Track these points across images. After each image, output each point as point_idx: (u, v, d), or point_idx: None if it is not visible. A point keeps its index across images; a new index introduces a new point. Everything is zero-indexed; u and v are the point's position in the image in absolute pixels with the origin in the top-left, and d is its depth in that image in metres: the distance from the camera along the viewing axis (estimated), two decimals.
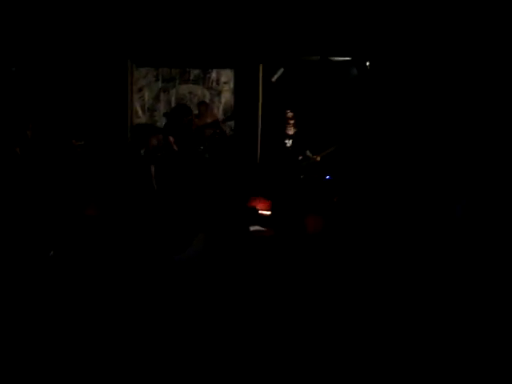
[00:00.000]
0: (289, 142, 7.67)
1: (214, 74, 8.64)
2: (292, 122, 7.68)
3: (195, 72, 8.64)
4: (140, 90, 8.60)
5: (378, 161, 7.49)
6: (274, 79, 8.24)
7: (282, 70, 8.16)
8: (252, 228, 4.75)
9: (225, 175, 7.37)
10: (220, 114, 8.57)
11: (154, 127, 8.22)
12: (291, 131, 7.72)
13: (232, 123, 8.55)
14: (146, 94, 8.63)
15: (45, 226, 4.38)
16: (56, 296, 3.53)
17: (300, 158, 7.74)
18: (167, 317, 3.06)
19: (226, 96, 8.68)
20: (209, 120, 8.09)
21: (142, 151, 6.43)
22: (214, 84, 8.66)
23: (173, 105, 8.60)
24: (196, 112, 8.16)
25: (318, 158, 7.76)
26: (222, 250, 2.99)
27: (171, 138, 7.64)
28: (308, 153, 7.77)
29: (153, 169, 6.20)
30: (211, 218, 3.22)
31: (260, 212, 6.87)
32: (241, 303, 2.98)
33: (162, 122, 8.41)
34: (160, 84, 8.64)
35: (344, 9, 7.46)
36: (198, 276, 2.98)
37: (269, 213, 7.23)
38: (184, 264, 2.88)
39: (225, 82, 8.65)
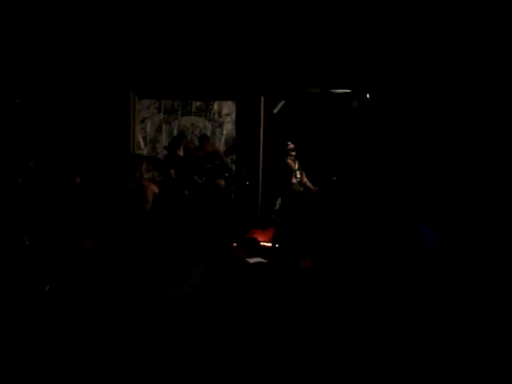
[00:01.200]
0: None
1: (215, 106, 8.70)
2: (293, 153, 7.70)
3: (197, 104, 8.70)
4: (142, 121, 8.64)
5: (377, 195, 7.47)
6: (275, 111, 8.29)
7: (283, 102, 8.21)
8: (253, 260, 4.70)
9: (225, 206, 7.35)
10: (222, 146, 8.60)
11: (143, 157, 8.24)
12: (293, 163, 7.74)
13: (233, 155, 8.57)
14: (148, 126, 8.67)
15: (41, 258, 4.35)
16: (49, 330, 3.50)
17: (301, 189, 7.75)
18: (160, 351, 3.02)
19: (228, 128, 8.72)
20: (209, 151, 8.13)
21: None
22: (216, 116, 8.71)
23: None
24: (197, 144, 8.21)
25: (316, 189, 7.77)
26: (220, 284, 2.94)
27: (171, 171, 7.67)
28: (308, 183, 7.78)
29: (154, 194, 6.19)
30: (210, 250, 3.19)
31: (261, 244, 6.83)
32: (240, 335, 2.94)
33: (163, 154, 8.44)
34: (162, 116, 8.69)
35: (344, 42, 7.53)
36: (195, 312, 2.93)
37: (270, 244, 7.19)
38: (177, 302, 2.84)
39: (226, 114, 8.70)
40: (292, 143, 7.71)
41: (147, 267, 4.06)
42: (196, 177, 7.77)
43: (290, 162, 7.75)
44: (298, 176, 7.74)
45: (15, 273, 4.15)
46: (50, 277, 4.08)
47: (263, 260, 6.18)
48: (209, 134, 8.55)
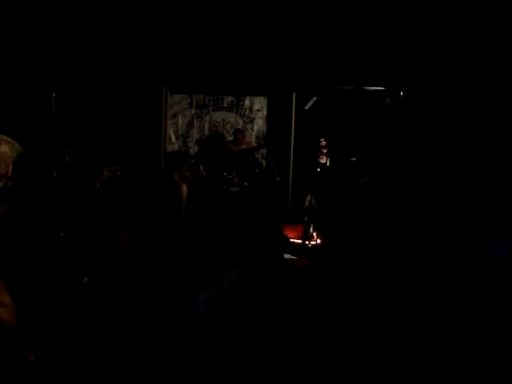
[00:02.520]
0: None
1: (247, 102, 8.72)
2: (325, 150, 7.65)
3: (228, 99, 8.73)
4: (174, 116, 8.71)
5: (408, 192, 7.38)
6: (306, 107, 8.25)
7: (315, 98, 8.15)
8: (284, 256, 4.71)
9: (256, 203, 7.35)
10: (252, 142, 8.60)
11: (187, 154, 8.30)
12: (323, 160, 7.68)
13: (264, 151, 8.56)
14: (180, 121, 8.73)
15: (79, 251, 4.41)
16: (86, 321, 3.56)
17: None
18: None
19: (259, 123, 8.73)
20: (242, 147, 8.12)
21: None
22: (247, 111, 8.72)
23: (206, 131, 8.68)
24: (231, 139, 8.22)
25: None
26: (260, 281, 2.93)
27: (201, 167, 7.70)
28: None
29: (184, 194, 6.22)
30: (249, 247, 3.17)
31: (291, 240, 6.83)
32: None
33: (194, 148, 8.49)
34: (193, 110, 8.74)
35: (379, 40, 7.46)
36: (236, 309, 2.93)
37: (300, 241, 7.19)
38: (215, 299, 2.84)
39: (258, 110, 8.71)
40: (325, 140, 7.65)
41: (184, 263, 4.10)
42: (225, 173, 7.76)
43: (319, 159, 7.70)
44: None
45: (51, 264, 4.22)
46: (88, 269, 4.15)
47: (293, 257, 6.19)
48: None
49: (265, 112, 8.71)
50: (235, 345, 2.76)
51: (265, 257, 2.98)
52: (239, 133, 8.17)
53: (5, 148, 2.76)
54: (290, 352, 2.80)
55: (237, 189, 7.34)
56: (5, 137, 2.75)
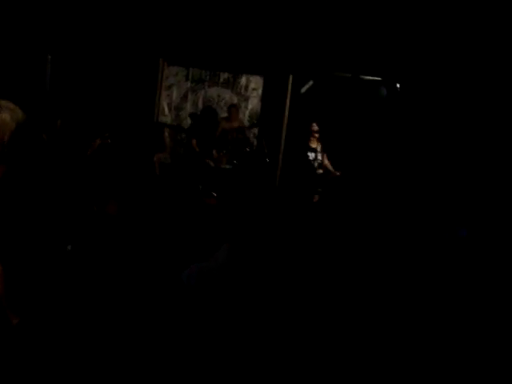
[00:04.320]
0: (311, 155, 7.68)
1: (243, 80, 8.68)
2: (317, 135, 7.69)
3: (225, 76, 8.68)
4: (169, 87, 8.66)
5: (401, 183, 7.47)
6: (302, 91, 8.26)
7: (311, 82, 8.17)
8: None
9: (245, 183, 7.40)
10: (245, 120, 8.61)
11: (180, 127, 8.31)
12: (314, 144, 7.73)
13: (256, 130, 8.58)
14: (175, 93, 8.68)
15: (64, 219, 4.44)
16: (64, 292, 3.59)
17: (320, 171, 7.76)
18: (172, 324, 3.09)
19: (254, 102, 8.71)
20: (235, 125, 8.11)
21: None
22: (243, 89, 8.69)
23: (200, 106, 8.65)
24: (226, 115, 8.20)
25: (338, 173, 7.77)
26: (245, 263, 2.98)
27: (193, 141, 7.71)
28: (329, 166, 7.80)
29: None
30: (237, 227, 3.21)
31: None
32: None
33: (187, 121, 8.48)
34: (189, 84, 8.69)
35: (378, 29, 7.45)
36: (221, 288, 2.98)
37: None
38: (198, 278, 2.89)
39: (253, 89, 8.68)
40: (317, 124, 7.68)
41: (168, 240, 4.14)
42: (215, 151, 7.77)
43: (310, 143, 7.74)
44: (320, 158, 7.74)
45: (37, 229, 4.24)
46: (72, 237, 4.18)
47: None
48: None
49: (260, 91, 8.68)
50: (216, 326, 2.82)
51: (251, 239, 3.02)
52: (233, 107, 8.17)
53: (5, 116, 2.77)
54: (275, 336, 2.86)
55: (229, 166, 7.37)
56: (9, 104, 2.76)
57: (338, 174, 7.79)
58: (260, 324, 2.86)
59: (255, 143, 8.55)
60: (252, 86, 8.68)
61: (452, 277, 4.46)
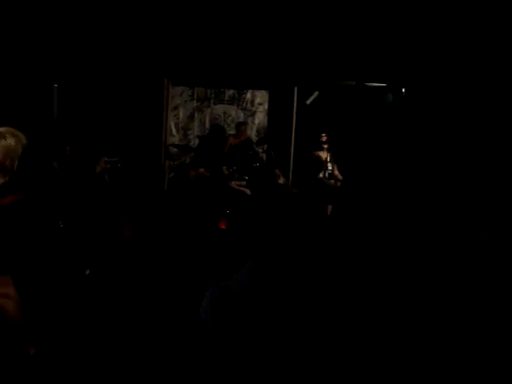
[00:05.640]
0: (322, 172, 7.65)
1: (248, 95, 8.72)
2: (326, 145, 7.68)
3: (230, 92, 8.73)
4: (175, 108, 8.71)
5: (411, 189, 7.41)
6: (308, 102, 8.25)
7: (316, 93, 8.16)
8: None
9: (262, 201, 7.36)
10: (253, 135, 8.62)
11: (188, 147, 8.32)
12: (324, 155, 7.71)
13: (265, 145, 8.58)
14: (181, 113, 8.73)
15: (80, 243, 4.42)
16: (83, 319, 3.56)
17: (332, 182, 7.72)
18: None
19: (260, 117, 8.74)
20: (242, 139, 8.13)
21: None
22: (249, 105, 8.73)
23: (207, 124, 8.69)
24: (233, 132, 8.21)
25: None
26: (268, 283, 2.93)
27: (201, 169, 7.69)
28: (339, 176, 7.76)
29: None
30: (258, 246, 3.16)
31: None
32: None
33: (195, 141, 8.50)
34: (195, 103, 8.74)
35: (382, 36, 7.45)
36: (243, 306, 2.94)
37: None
38: (222, 298, 2.84)
39: (259, 103, 8.71)
40: (326, 135, 7.67)
41: (188, 260, 4.10)
42: (224, 168, 7.75)
43: (319, 154, 7.71)
44: (330, 168, 7.70)
45: (54, 257, 4.23)
46: (90, 261, 4.16)
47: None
48: None
49: (266, 106, 8.71)
50: (238, 344, 2.77)
51: (274, 258, 2.97)
52: (242, 125, 8.18)
53: (10, 141, 2.77)
54: (292, 352, 2.82)
55: (243, 183, 7.34)
56: (12, 130, 2.76)
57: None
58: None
59: (264, 158, 8.54)
60: (258, 100, 8.72)
61: (470, 279, 4.41)
